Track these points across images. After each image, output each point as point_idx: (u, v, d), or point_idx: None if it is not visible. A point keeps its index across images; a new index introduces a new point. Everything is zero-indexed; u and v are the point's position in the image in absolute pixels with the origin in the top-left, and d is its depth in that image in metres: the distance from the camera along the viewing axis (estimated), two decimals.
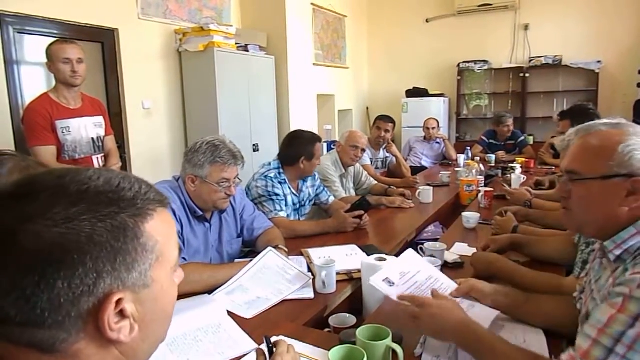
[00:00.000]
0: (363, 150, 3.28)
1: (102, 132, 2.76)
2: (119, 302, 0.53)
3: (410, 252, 1.43)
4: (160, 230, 0.58)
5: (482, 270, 1.67)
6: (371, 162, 4.07)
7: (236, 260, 1.90)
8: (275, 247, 1.84)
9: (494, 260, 1.67)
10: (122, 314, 0.54)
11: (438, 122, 5.14)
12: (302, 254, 1.97)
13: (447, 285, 1.39)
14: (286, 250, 1.91)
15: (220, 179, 1.81)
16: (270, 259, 1.77)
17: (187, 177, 1.83)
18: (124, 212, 0.54)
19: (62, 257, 0.49)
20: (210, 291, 1.60)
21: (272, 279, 1.69)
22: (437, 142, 5.07)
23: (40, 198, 0.51)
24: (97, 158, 2.73)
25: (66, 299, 0.49)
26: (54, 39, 2.70)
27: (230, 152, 1.83)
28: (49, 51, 2.54)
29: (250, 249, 2.14)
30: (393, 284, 1.27)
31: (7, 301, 0.48)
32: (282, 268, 1.74)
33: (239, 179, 1.91)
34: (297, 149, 2.55)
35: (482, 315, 1.26)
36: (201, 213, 1.88)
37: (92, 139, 2.69)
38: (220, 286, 1.63)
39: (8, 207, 0.51)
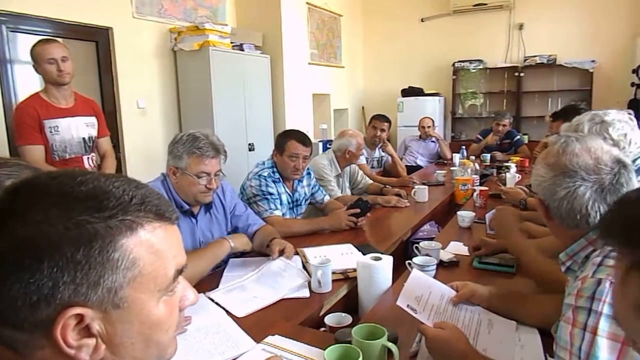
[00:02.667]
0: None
1: (94, 132, 2.74)
2: (82, 317, 0.49)
3: (414, 274, 1.43)
4: (148, 246, 0.53)
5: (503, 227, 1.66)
6: (367, 161, 4.07)
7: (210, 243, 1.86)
8: (282, 253, 1.84)
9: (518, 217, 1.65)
10: (88, 331, 0.50)
11: (433, 121, 5.15)
12: (297, 253, 1.97)
13: (458, 303, 1.38)
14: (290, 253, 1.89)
15: (199, 171, 1.79)
16: (274, 263, 1.80)
17: (169, 168, 1.83)
18: (98, 222, 0.49)
19: (21, 259, 0.47)
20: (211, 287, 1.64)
21: (271, 278, 1.71)
22: (433, 141, 5.08)
23: (22, 196, 0.50)
24: (88, 158, 2.71)
25: (23, 302, 0.47)
26: (42, 39, 2.65)
27: (210, 144, 1.81)
28: (33, 53, 2.50)
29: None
30: (416, 310, 1.27)
31: None
32: (283, 268, 1.76)
33: (222, 173, 1.89)
34: (276, 140, 2.58)
35: (502, 333, 1.27)
36: (187, 207, 1.87)
37: (83, 138, 2.67)
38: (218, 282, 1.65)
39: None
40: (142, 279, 0.53)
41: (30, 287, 0.47)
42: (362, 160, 3.86)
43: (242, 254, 2.07)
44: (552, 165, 1.06)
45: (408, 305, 1.27)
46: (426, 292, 1.35)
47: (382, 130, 4.09)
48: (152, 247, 0.53)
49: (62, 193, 0.50)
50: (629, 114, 1.67)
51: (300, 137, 2.52)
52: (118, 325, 0.52)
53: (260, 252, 2.03)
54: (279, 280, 1.70)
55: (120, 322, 0.52)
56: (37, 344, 0.50)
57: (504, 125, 4.99)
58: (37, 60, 2.49)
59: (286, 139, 2.50)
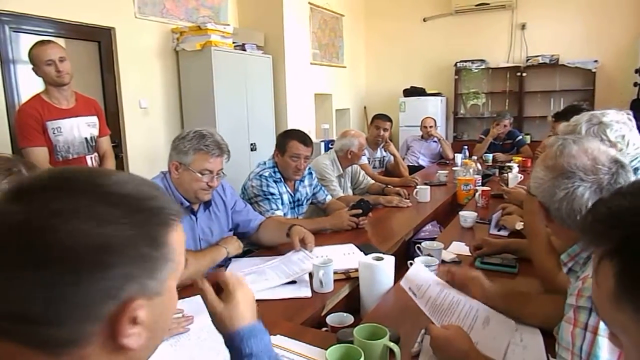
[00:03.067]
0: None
1: (95, 132, 2.75)
2: (136, 308, 0.52)
3: (416, 266, 1.43)
4: (179, 241, 0.58)
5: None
6: (368, 161, 4.07)
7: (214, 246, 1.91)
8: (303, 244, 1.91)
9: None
10: (134, 321, 0.53)
11: (435, 121, 5.15)
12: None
13: (457, 297, 1.38)
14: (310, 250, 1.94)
15: (203, 169, 1.81)
16: (296, 255, 1.86)
17: (172, 163, 1.85)
18: (156, 220, 0.54)
19: (98, 259, 0.48)
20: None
21: (287, 266, 1.79)
22: (435, 141, 5.08)
23: (76, 196, 0.50)
24: (91, 158, 2.72)
25: (92, 300, 0.49)
26: (51, 39, 2.66)
27: (216, 143, 1.84)
28: (31, 56, 2.50)
29: (248, 248, 2.14)
30: (416, 295, 1.28)
31: (35, 298, 0.47)
32: (302, 260, 1.81)
33: (223, 172, 1.92)
34: (277, 140, 2.58)
35: (498, 330, 1.26)
36: (187, 204, 1.88)
37: (85, 138, 2.68)
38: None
39: (43, 201, 0.49)
40: (176, 269, 0.58)
41: (105, 283, 0.49)
42: (364, 160, 3.86)
43: (244, 254, 2.08)
44: (550, 167, 1.06)
45: (410, 288, 1.28)
46: (426, 283, 1.36)
47: (385, 129, 4.09)
48: (180, 240, 0.59)
49: (117, 193, 0.53)
50: (628, 114, 1.66)
51: (302, 137, 2.53)
52: (156, 312, 0.55)
53: (264, 245, 2.11)
54: (293, 268, 1.76)
55: (158, 309, 0.56)
56: (89, 340, 0.50)
57: (505, 126, 4.98)
58: (36, 62, 2.49)
59: (287, 139, 2.50)
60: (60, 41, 2.83)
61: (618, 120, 1.62)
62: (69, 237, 0.47)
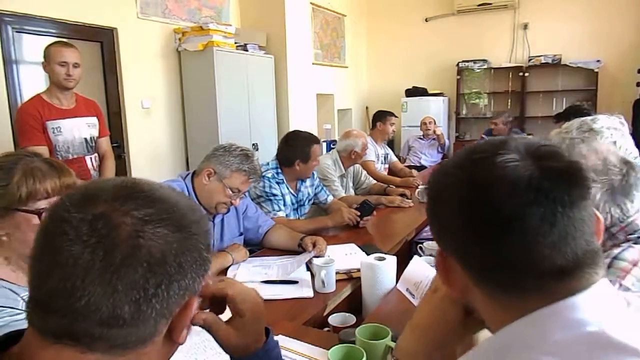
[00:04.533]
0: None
1: (95, 133, 2.76)
2: (192, 304, 0.56)
3: (415, 260, 1.43)
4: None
5: None
6: (377, 157, 4.09)
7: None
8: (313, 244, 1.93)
9: None
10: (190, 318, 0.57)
11: (434, 120, 5.17)
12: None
13: None
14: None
15: (235, 187, 1.87)
16: (306, 255, 1.88)
17: (206, 169, 1.87)
18: (206, 228, 0.58)
19: (178, 260, 0.51)
20: None
21: (292, 265, 1.82)
22: (434, 138, 5.10)
23: (156, 205, 0.52)
24: (91, 158, 2.73)
25: (172, 301, 0.52)
26: (53, 39, 2.69)
27: (255, 168, 1.91)
28: (47, 51, 2.53)
29: (250, 248, 2.14)
30: (414, 296, 1.28)
31: (125, 302, 0.48)
32: (303, 261, 1.84)
33: (245, 194, 2.00)
34: (292, 150, 2.52)
35: None
36: (204, 212, 1.89)
37: (85, 139, 2.69)
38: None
39: (123, 208, 0.50)
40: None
41: (182, 283, 0.52)
42: (372, 157, 3.86)
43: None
44: None
45: (407, 289, 1.28)
46: (425, 279, 1.36)
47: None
48: None
49: (189, 205, 0.57)
50: (619, 118, 1.64)
51: (317, 139, 2.62)
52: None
53: (271, 248, 2.12)
54: (294, 267, 1.78)
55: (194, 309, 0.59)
56: (152, 340, 0.53)
57: (495, 124, 5.02)
58: (49, 59, 2.52)
59: (309, 146, 2.52)
60: None
61: (609, 126, 1.60)
62: (153, 243, 0.50)
